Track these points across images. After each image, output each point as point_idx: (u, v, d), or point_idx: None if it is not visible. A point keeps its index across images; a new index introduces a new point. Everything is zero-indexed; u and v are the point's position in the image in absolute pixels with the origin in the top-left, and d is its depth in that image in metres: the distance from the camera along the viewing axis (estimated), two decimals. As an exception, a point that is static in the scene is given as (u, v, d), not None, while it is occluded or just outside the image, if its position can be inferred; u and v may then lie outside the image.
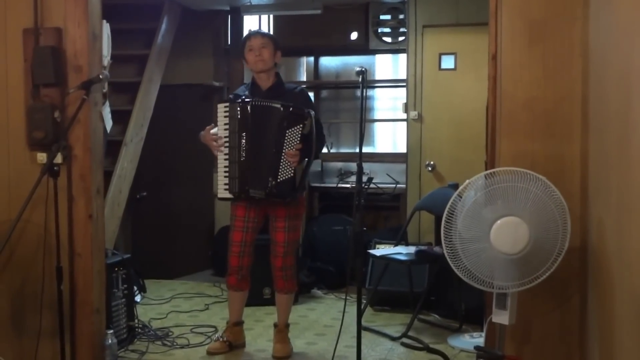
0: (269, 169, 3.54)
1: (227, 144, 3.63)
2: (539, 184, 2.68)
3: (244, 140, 3.58)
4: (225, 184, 3.65)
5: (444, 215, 2.80)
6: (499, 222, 2.70)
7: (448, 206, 2.80)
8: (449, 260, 2.81)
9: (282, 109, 3.55)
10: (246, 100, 3.65)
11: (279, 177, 3.54)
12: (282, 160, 3.54)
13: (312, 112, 3.59)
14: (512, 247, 2.68)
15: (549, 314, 3.03)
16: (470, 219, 2.77)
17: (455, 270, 2.80)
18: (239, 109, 3.60)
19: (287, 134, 3.54)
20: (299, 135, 3.54)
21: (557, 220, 2.67)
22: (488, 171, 2.83)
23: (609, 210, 2.41)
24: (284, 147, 3.54)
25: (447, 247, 2.80)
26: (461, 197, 2.80)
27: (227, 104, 3.66)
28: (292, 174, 3.55)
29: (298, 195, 3.67)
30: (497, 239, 2.70)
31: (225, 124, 3.64)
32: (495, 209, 2.72)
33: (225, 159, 3.64)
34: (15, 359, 3.55)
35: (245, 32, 6.41)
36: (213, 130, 3.68)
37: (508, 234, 2.68)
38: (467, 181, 2.82)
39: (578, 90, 2.97)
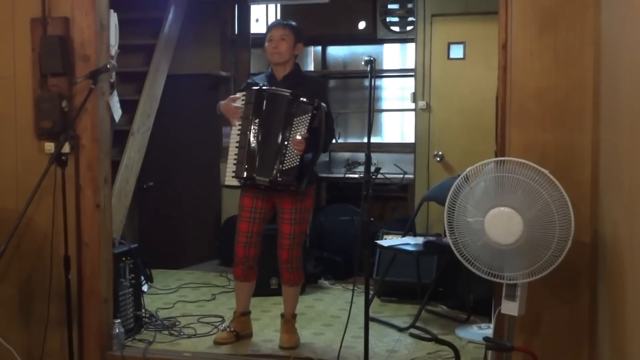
0: (275, 157, 3.53)
1: (239, 130, 3.62)
2: (540, 177, 2.63)
3: (255, 127, 3.57)
4: (233, 171, 3.63)
5: (447, 202, 2.79)
6: (492, 211, 2.68)
7: (450, 193, 2.80)
8: (452, 247, 2.80)
9: (291, 96, 3.54)
10: (262, 87, 3.64)
11: (284, 165, 3.52)
12: (288, 148, 3.52)
13: (323, 105, 3.57)
14: (505, 237, 2.66)
15: (559, 305, 3.01)
16: (470, 206, 2.76)
17: (459, 257, 2.79)
18: (254, 95, 3.59)
19: (294, 122, 3.52)
20: (307, 125, 3.52)
21: (554, 215, 2.60)
22: (491, 160, 2.78)
23: (621, 201, 2.38)
24: (291, 135, 3.52)
25: (451, 236, 2.79)
26: (467, 182, 2.79)
27: (244, 92, 3.65)
28: (297, 163, 3.53)
29: (304, 186, 3.64)
30: (491, 228, 2.68)
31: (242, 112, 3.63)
32: (491, 198, 2.70)
33: (236, 146, 3.63)
34: (23, 347, 3.57)
35: (253, 22, 6.45)
36: (235, 104, 3.66)
37: (501, 224, 2.66)
38: (469, 168, 2.79)
39: (589, 79, 2.94)
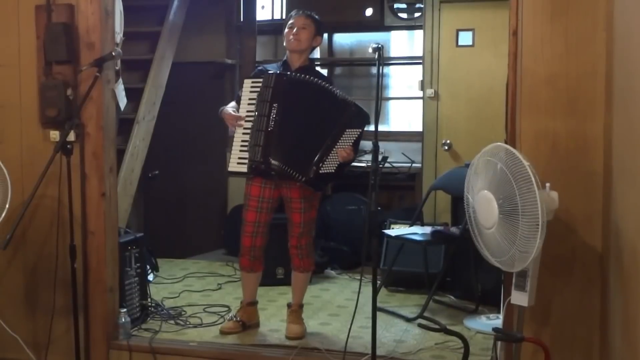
0: (314, 155, 3.47)
1: (251, 115, 3.54)
2: (518, 168, 2.57)
3: (274, 111, 3.49)
4: (239, 158, 3.56)
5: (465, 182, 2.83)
6: (479, 194, 2.71)
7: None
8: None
9: (353, 107, 3.53)
10: (294, 74, 3.58)
11: (322, 168, 3.49)
12: (331, 154, 3.49)
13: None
14: (486, 220, 2.68)
15: (570, 295, 2.98)
16: (470, 186, 2.80)
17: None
18: (274, 78, 3.51)
19: (346, 132, 3.50)
20: (354, 139, 3.51)
21: (518, 209, 2.55)
22: (493, 144, 2.75)
23: (636, 189, 2.34)
24: (338, 143, 3.49)
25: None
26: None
27: (260, 79, 3.57)
28: (333, 170, 3.51)
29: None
30: (479, 210, 2.72)
31: (251, 99, 3.55)
32: (482, 180, 2.72)
33: (244, 133, 3.55)
34: (29, 336, 3.57)
35: (258, 9, 6.41)
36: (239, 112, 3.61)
37: (484, 207, 2.69)
38: (484, 149, 2.77)
39: (601, 66, 2.89)
